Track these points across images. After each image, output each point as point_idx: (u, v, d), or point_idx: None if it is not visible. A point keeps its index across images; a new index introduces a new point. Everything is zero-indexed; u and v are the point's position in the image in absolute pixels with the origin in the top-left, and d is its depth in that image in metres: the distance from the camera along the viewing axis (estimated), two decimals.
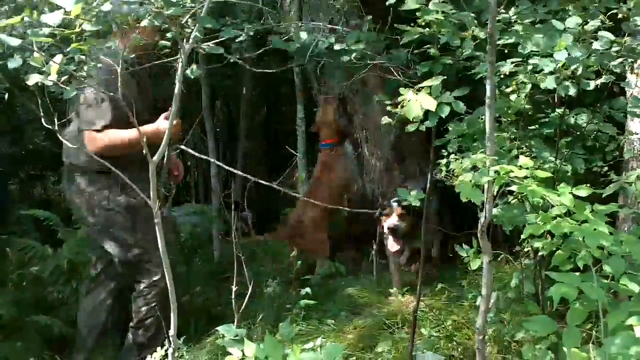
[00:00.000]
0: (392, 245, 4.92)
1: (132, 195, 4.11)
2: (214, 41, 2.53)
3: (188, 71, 2.30)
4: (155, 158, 2.33)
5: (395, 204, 4.90)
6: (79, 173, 4.17)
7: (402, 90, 2.96)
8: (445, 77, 3.32)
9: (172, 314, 2.53)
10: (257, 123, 11.11)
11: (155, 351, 3.87)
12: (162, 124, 3.98)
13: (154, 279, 4.18)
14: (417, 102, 2.77)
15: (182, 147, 3.70)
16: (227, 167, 3.57)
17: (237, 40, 4.81)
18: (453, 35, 3.37)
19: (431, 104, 2.75)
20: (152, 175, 2.34)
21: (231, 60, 3.63)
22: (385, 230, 4.90)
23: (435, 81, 2.91)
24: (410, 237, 4.94)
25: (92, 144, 3.96)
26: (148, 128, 3.96)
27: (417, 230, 4.30)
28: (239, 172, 4.13)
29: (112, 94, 2.52)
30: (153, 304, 4.18)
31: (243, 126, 8.29)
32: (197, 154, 3.98)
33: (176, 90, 2.31)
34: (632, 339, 2.20)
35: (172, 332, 2.56)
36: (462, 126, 3.75)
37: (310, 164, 7.02)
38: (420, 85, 2.91)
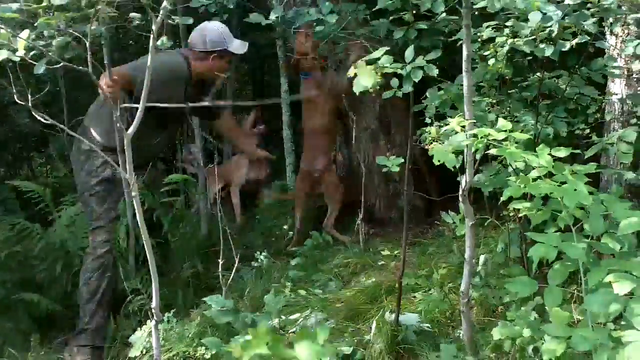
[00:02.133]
0: None
1: (115, 172, 4.28)
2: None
3: (159, 42, 2.28)
4: (130, 131, 2.32)
5: None
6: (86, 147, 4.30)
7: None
8: (423, 43, 3.35)
9: (153, 287, 2.53)
10: (245, 98, 11.09)
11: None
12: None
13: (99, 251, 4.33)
14: (362, 76, 2.79)
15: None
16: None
17: (214, 12, 4.79)
18: None
19: (369, 80, 2.77)
20: (127, 147, 2.34)
21: None
22: None
23: (379, 53, 2.93)
24: None
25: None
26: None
27: None
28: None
29: None
30: (87, 270, 4.31)
31: (229, 100, 8.25)
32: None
33: (148, 62, 2.30)
34: (611, 295, 2.22)
35: (154, 304, 2.56)
36: (440, 92, 3.75)
37: (295, 135, 7.02)
38: (368, 57, 2.92)
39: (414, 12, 3.74)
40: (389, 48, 3.15)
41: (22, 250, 4.60)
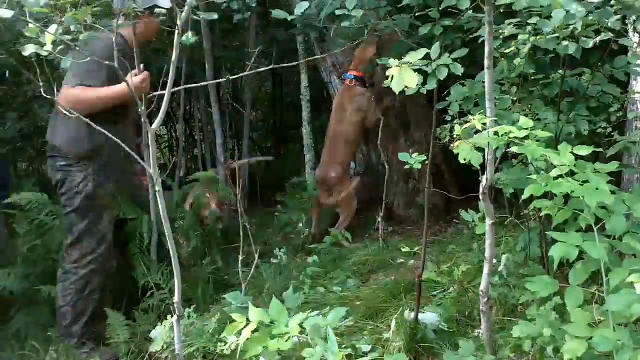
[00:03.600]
0: None
1: (99, 183, 4.14)
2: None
3: (184, 38, 2.29)
4: (154, 126, 2.34)
5: None
6: (61, 157, 4.15)
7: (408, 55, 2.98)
8: (446, 39, 3.34)
9: (175, 282, 2.55)
10: (263, 93, 11.12)
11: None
12: (134, 80, 3.93)
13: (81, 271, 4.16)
14: (400, 78, 2.76)
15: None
16: None
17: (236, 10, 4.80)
18: None
19: (412, 81, 2.73)
20: (152, 143, 2.35)
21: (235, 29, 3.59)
22: None
23: (418, 55, 2.90)
24: None
25: (63, 99, 3.90)
26: (120, 85, 3.97)
27: None
28: None
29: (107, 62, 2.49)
30: (69, 290, 4.14)
31: (248, 96, 8.28)
32: None
33: (173, 57, 2.31)
34: (633, 296, 2.21)
35: (176, 299, 2.57)
36: (463, 89, 3.74)
37: (315, 132, 7.03)
38: (404, 60, 2.89)
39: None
40: (414, 45, 3.14)
41: (41, 244, 4.61)
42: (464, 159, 2.63)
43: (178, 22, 2.22)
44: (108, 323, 4.08)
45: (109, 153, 4.10)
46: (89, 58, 2.46)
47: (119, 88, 3.97)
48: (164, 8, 3.90)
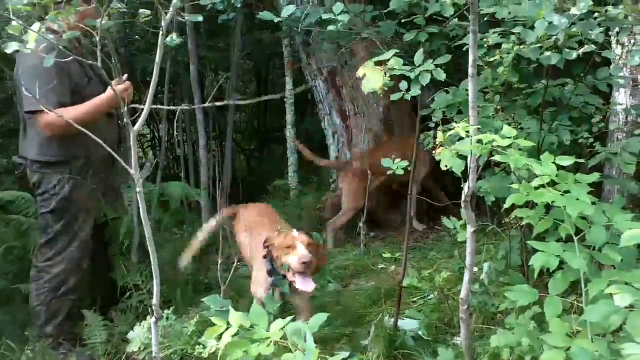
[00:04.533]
0: (303, 284, 3.61)
1: (75, 184, 4.08)
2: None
3: (168, 39, 2.27)
4: (136, 127, 2.33)
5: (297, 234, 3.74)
6: (37, 165, 4.07)
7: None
8: (431, 46, 3.34)
9: (154, 284, 2.54)
10: (248, 95, 11.11)
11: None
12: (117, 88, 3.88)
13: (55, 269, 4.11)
14: (370, 76, 2.79)
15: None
16: None
17: (222, 10, 4.78)
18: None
19: (377, 81, 2.76)
20: (133, 144, 2.34)
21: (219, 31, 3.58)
22: (293, 268, 3.62)
23: (389, 54, 2.93)
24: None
25: (49, 127, 3.84)
26: (103, 96, 3.93)
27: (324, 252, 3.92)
28: None
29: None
30: (43, 289, 4.09)
31: (233, 99, 8.26)
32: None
33: (157, 58, 2.30)
34: (611, 307, 2.21)
35: (154, 300, 2.56)
36: (447, 96, 3.75)
37: (299, 135, 7.04)
38: (378, 58, 2.91)
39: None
40: (397, 50, 3.15)
41: (19, 245, 4.58)
42: (446, 166, 2.63)
43: (162, 23, 2.21)
44: (85, 324, 4.05)
45: (86, 154, 4.05)
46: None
47: (101, 99, 3.93)
48: None
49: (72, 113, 3.75)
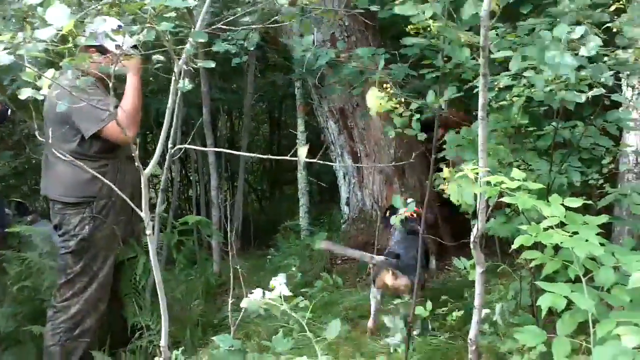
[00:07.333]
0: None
1: (96, 225, 4.12)
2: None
3: (180, 85, 2.31)
4: (147, 170, 2.36)
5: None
6: (59, 206, 4.13)
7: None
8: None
9: (162, 325, 2.55)
10: (260, 137, 11.18)
11: None
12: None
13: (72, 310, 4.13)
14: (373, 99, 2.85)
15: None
16: None
17: (234, 54, 4.83)
18: (452, 43, 3.37)
19: (374, 103, 2.82)
20: (144, 187, 2.37)
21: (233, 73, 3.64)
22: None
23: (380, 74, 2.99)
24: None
25: (116, 131, 3.84)
26: (130, 75, 4.01)
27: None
28: None
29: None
30: (59, 329, 4.11)
31: (245, 140, 8.31)
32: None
33: (169, 103, 2.34)
34: (619, 348, 2.21)
35: (162, 342, 2.57)
36: (458, 136, 3.78)
37: (310, 175, 7.07)
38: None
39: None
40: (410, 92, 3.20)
41: (31, 285, 4.61)
42: (457, 201, 2.65)
43: (175, 69, 2.26)
44: None
45: (109, 194, 4.08)
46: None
47: (131, 78, 4.01)
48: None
49: (128, 105, 3.92)
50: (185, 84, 2.32)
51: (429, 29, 3.24)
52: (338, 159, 6.67)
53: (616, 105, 3.89)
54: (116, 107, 3.86)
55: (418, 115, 3.37)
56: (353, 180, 6.58)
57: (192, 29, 2.44)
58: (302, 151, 6.04)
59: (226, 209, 7.12)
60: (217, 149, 3.13)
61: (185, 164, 9.28)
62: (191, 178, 9.41)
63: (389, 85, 3.19)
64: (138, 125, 3.99)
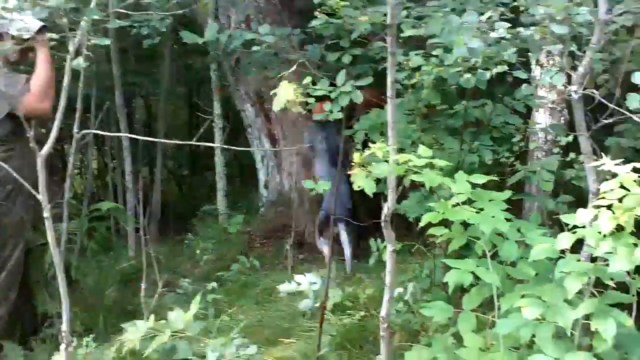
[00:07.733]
0: None
1: (4, 212, 3.95)
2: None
3: (74, 63, 2.24)
4: (43, 152, 2.29)
5: None
6: None
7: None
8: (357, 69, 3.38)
9: (64, 310, 2.49)
10: (180, 121, 11.03)
11: None
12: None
13: None
14: (282, 93, 2.83)
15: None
16: None
17: (147, 35, 4.74)
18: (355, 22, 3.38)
19: (289, 95, 2.81)
20: (41, 169, 2.30)
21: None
22: None
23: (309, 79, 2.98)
24: None
25: (32, 102, 3.75)
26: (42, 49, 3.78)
27: None
28: None
29: None
30: None
31: (162, 124, 8.19)
32: None
33: (65, 82, 2.27)
34: (521, 320, 2.24)
35: (64, 327, 2.51)
36: (370, 118, 3.79)
37: (230, 160, 7.02)
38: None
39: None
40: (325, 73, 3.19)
41: None
42: (359, 186, 2.65)
43: (70, 47, 2.19)
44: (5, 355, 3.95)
45: (15, 179, 3.94)
46: None
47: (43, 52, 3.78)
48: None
49: (41, 75, 3.73)
50: (80, 62, 2.25)
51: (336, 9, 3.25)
52: (256, 142, 6.63)
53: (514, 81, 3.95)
54: (27, 80, 3.76)
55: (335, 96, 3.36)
56: (272, 163, 6.56)
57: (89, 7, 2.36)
58: (218, 135, 6.00)
59: (144, 194, 7.01)
60: (127, 135, 3.05)
61: (102, 149, 9.11)
62: (107, 162, 9.24)
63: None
64: (52, 98, 3.84)
